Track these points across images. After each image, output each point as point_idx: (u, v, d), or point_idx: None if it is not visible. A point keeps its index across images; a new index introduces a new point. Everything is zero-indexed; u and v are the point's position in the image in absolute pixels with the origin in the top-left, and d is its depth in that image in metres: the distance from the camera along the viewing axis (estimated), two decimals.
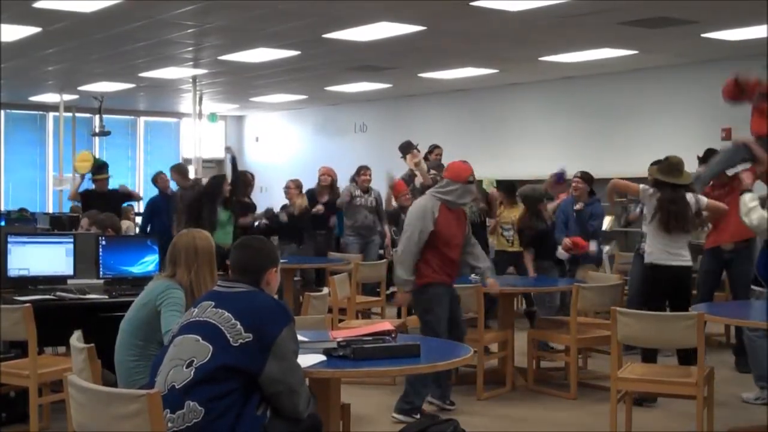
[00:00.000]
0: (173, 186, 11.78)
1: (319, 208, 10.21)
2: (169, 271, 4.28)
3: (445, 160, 9.33)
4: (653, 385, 5.22)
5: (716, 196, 7.26)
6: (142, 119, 20.09)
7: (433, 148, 10.41)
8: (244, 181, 10.47)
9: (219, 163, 20.72)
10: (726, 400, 6.27)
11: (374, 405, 6.23)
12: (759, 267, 6.69)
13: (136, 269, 6.25)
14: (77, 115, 17.80)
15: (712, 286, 7.60)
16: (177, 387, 3.14)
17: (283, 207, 10.60)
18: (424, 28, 10.09)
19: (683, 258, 6.39)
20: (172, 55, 12.16)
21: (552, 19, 9.55)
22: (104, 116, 16.82)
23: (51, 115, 18.71)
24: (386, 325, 4.11)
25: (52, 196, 18.14)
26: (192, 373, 3.14)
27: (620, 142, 13.07)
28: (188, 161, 15.67)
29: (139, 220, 12.80)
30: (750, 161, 6.80)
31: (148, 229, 11.33)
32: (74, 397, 3.05)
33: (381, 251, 10.92)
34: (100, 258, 6.16)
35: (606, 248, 6.86)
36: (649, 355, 6.14)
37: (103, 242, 6.22)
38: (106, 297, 5.70)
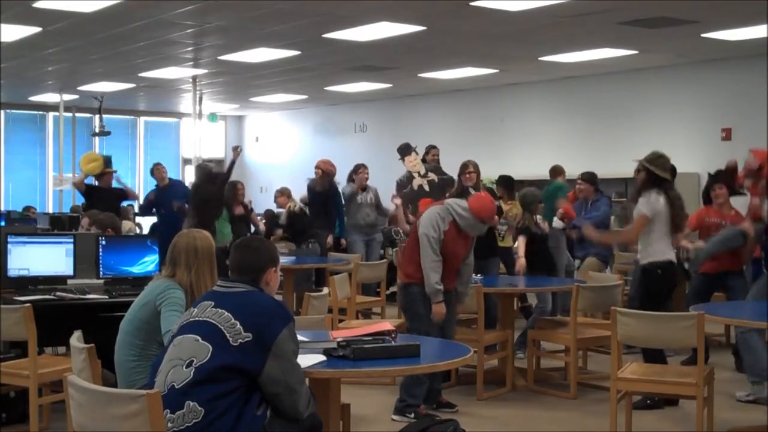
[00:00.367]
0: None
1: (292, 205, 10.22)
2: (168, 271, 4.28)
3: (445, 160, 9.36)
4: (653, 385, 5.21)
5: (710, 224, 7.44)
6: (142, 119, 20.09)
7: (430, 149, 10.41)
8: (232, 192, 10.55)
9: (219, 162, 20.74)
10: (726, 400, 6.27)
11: (374, 405, 6.23)
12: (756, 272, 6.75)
13: (136, 269, 6.24)
14: (77, 115, 17.81)
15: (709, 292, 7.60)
16: (177, 387, 3.14)
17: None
18: (424, 28, 10.09)
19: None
20: (172, 55, 12.16)
21: (552, 19, 9.55)
22: (104, 116, 16.83)
23: (51, 115, 18.71)
24: (386, 325, 4.11)
25: (52, 196, 18.14)
26: (192, 373, 3.14)
27: (620, 142, 13.08)
28: (188, 161, 15.67)
29: (138, 220, 12.81)
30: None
31: (154, 222, 11.35)
32: (74, 397, 3.05)
33: (381, 251, 10.93)
34: (100, 258, 6.16)
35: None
36: (652, 355, 6.10)
37: (103, 242, 6.22)
38: (106, 297, 5.70)
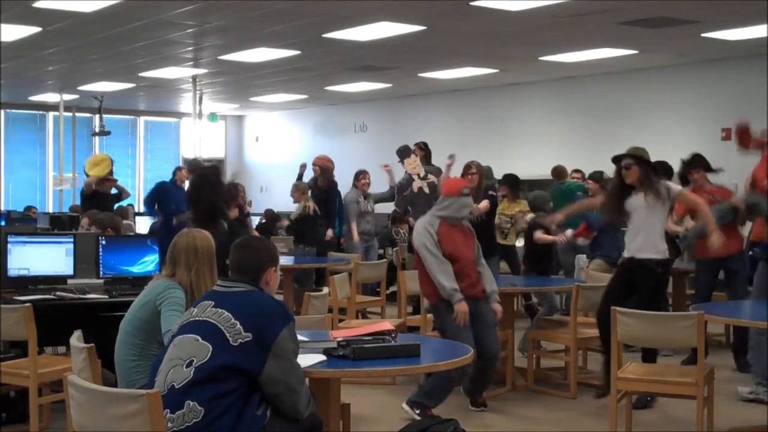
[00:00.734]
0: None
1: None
2: (168, 270, 4.27)
3: (445, 160, 9.34)
4: (653, 385, 5.21)
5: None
6: (142, 119, 20.10)
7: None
8: (232, 194, 10.44)
9: (219, 162, 20.75)
10: (726, 400, 6.27)
11: (374, 405, 6.23)
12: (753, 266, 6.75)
13: (136, 269, 6.24)
14: (77, 114, 17.82)
15: (709, 287, 7.58)
16: (176, 387, 3.14)
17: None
18: (424, 28, 10.09)
19: None
20: (172, 55, 12.17)
21: (552, 19, 9.55)
22: (104, 116, 16.84)
23: (51, 114, 18.72)
24: (386, 325, 4.10)
25: (52, 195, 18.14)
26: (192, 372, 3.14)
27: (620, 142, 12.98)
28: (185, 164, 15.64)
29: (138, 220, 12.79)
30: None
31: (153, 222, 11.31)
32: (74, 397, 3.05)
33: (381, 251, 10.93)
34: (100, 258, 6.16)
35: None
36: (649, 356, 6.12)
37: (103, 242, 6.22)
38: (106, 297, 5.70)
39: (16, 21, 10.02)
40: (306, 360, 3.63)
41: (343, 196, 10.54)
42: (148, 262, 6.27)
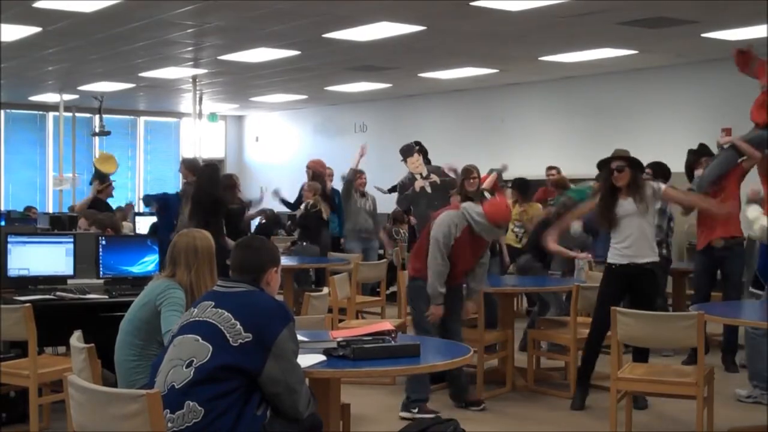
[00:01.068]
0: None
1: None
2: (168, 270, 4.28)
3: (446, 161, 9.35)
4: (653, 385, 5.21)
5: (710, 194, 7.33)
6: (142, 119, 20.10)
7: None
8: (229, 185, 10.41)
9: (219, 162, 20.73)
10: (726, 400, 6.27)
11: (374, 405, 6.24)
12: (760, 268, 6.71)
13: (136, 269, 6.24)
14: (77, 115, 17.80)
15: (708, 286, 7.59)
16: (177, 387, 3.14)
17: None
18: (424, 28, 10.09)
19: None
20: (172, 55, 12.16)
21: (552, 19, 9.55)
22: (104, 116, 16.82)
23: (51, 114, 18.72)
24: (386, 325, 4.10)
25: (52, 196, 18.14)
26: (192, 373, 3.14)
27: (620, 142, 12.97)
28: (182, 162, 15.61)
29: (138, 220, 12.79)
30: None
31: (153, 222, 11.30)
32: (74, 397, 3.05)
33: (380, 251, 10.90)
34: (100, 258, 6.16)
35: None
36: (641, 355, 6.09)
37: (103, 242, 6.22)
38: (106, 297, 5.70)
39: (16, 21, 10.02)
40: (306, 360, 3.63)
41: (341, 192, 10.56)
42: (148, 262, 6.27)
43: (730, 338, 7.46)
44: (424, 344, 4.07)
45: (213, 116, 18.85)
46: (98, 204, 10.99)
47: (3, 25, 10.07)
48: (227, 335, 3.17)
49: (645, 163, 7.64)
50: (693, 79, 12.52)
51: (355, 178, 10.37)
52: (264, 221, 13.05)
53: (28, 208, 14.43)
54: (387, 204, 12.41)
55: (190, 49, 11.83)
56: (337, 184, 10.89)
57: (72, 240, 6.23)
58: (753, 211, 6.48)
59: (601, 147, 13.45)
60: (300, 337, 4.00)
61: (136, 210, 14.18)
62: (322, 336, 4.16)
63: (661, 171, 7.82)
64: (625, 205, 6.05)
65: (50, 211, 16.56)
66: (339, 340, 3.85)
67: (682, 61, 12.28)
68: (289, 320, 3.28)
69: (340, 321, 7.21)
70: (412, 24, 9.97)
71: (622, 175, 6.03)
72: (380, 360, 3.75)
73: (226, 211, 9.78)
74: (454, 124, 15.77)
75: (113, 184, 11.43)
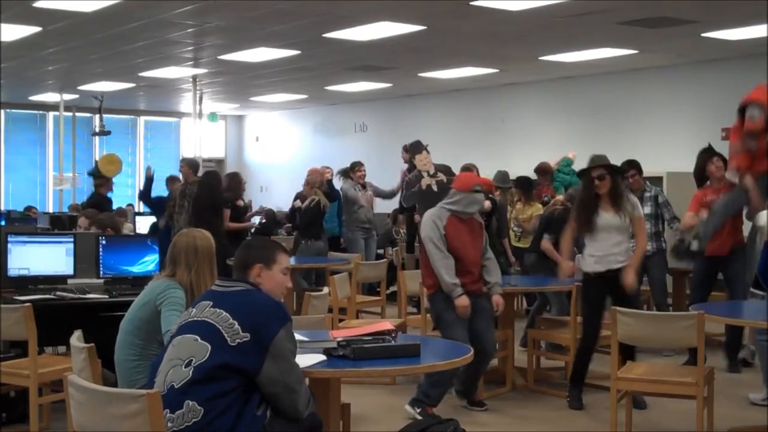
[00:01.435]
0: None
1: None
2: (169, 270, 4.28)
3: (446, 161, 9.34)
4: (653, 385, 5.21)
5: (710, 201, 7.31)
6: (142, 119, 20.10)
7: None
8: (237, 182, 10.42)
9: (219, 162, 20.76)
10: (726, 400, 6.27)
11: (374, 405, 6.24)
12: (760, 269, 6.70)
13: (136, 269, 6.25)
14: (77, 114, 17.81)
15: (707, 289, 7.59)
16: (176, 387, 3.14)
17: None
18: (424, 28, 10.09)
19: None
20: (172, 54, 12.16)
21: (552, 19, 9.55)
22: (104, 116, 16.82)
23: (51, 114, 18.72)
24: (386, 325, 4.10)
25: (53, 195, 18.14)
26: (191, 372, 3.14)
27: (620, 142, 13.07)
28: (183, 161, 15.61)
29: (138, 220, 12.80)
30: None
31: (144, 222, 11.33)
32: (74, 396, 3.05)
33: (381, 251, 10.91)
34: (100, 258, 6.16)
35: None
36: (628, 353, 6.07)
37: (103, 242, 6.22)
38: (106, 297, 5.71)
39: (16, 21, 10.02)
40: (306, 360, 3.63)
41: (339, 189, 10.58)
42: (148, 262, 6.28)
43: (732, 338, 7.44)
44: (424, 344, 4.07)
45: (213, 116, 18.85)
46: (99, 198, 11.02)
47: (3, 25, 10.07)
48: (225, 335, 3.18)
49: (651, 161, 7.69)
50: (693, 79, 12.52)
51: (353, 169, 10.43)
52: (264, 221, 13.06)
53: (29, 208, 14.44)
54: (387, 204, 12.43)
55: (190, 48, 11.83)
56: (338, 185, 10.90)
57: (72, 240, 6.23)
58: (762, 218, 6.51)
59: (600, 147, 13.45)
60: (300, 337, 4.00)
61: (136, 210, 14.19)
62: (322, 336, 4.16)
63: (635, 167, 7.80)
64: (606, 216, 6.05)
65: (50, 210, 16.57)
66: (339, 339, 3.85)
67: (682, 61, 12.28)
68: (286, 320, 3.28)
69: (340, 321, 7.21)
70: (412, 24, 9.97)
71: (603, 183, 6.03)
72: (380, 360, 3.75)
73: (232, 207, 9.81)
74: (454, 123, 15.78)
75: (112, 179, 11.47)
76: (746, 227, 7.40)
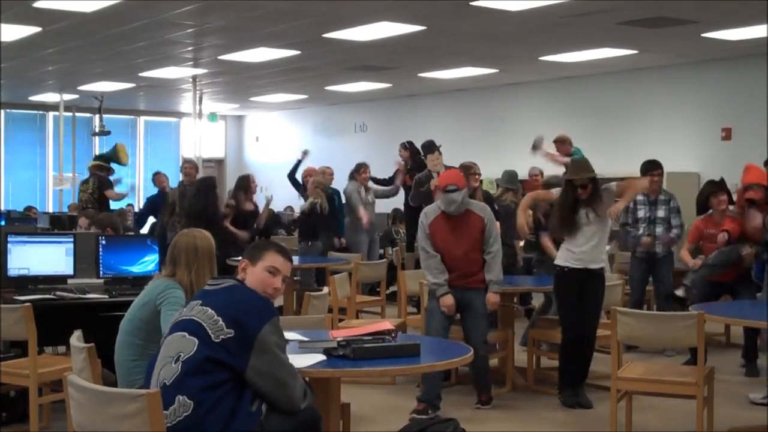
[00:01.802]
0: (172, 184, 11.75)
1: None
2: (168, 270, 4.28)
3: (446, 161, 9.34)
4: (653, 384, 5.21)
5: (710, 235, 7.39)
6: (142, 119, 20.10)
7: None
8: (243, 186, 10.37)
9: (219, 162, 20.75)
10: (726, 400, 6.27)
11: (374, 405, 6.24)
12: (757, 270, 6.72)
13: (136, 269, 6.24)
14: (77, 114, 17.81)
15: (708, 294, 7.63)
16: (168, 383, 3.15)
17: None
18: (424, 28, 10.09)
19: None
20: (172, 54, 12.16)
21: (552, 19, 9.55)
22: (104, 116, 16.83)
23: (51, 114, 18.72)
24: (386, 325, 4.10)
25: (52, 195, 18.14)
26: (180, 367, 3.15)
27: (620, 142, 13.09)
28: (188, 161, 15.61)
29: (137, 219, 12.80)
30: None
31: (147, 225, 11.30)
32: (74, 396, 3.05)
33: (381, 251, 10.90)
34: (100, 257, 6.16)
35: (607, 247, 6.77)
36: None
37: (103, 242, 6.22)
38: (106, 296, 5.70)
39: (16, 21, 10.02)
40: (306, 360, 3.63)
41: (342, 190, 10.56)
42: (148, 262, 6.27)
43: (749, 343, 7.39)
44: (424, 344, 4.07)
45: (213, 116, 18.85)
46: (102, 181, 11.05)
47: (3, 25, 10.07)
48: (209, 331, 3.18)
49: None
50: (693, 79, 12.52)
51: (359, 170, 10.42)
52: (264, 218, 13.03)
53: (28, 208, 14.44)
54: (386, 204, 12.42)
55: (190, 49, 11.83)
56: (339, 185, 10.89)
57: (72, 240, 6.23)
58: None
59: (601, 147, 13.54)
60: (300, 337, 4.01)
61: (136, 210, 14.18)
62: (322, 335, 4.16)
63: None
64: (587, 216, 6.11)
65: (50, 210, 16.56)
66: (339, 339, 3.85)
67: (682, 61, 12.28)
68: (271, 315, 3.27)
69: (340, 320, 7.21)
70: (412, 24, 9.97)
71: (586, 190, 6.10)
72: (380, 360, 3.75)
73: (236, 212, 9.78)
74: (454, 123, 15.77)
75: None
76: None
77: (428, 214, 6.11)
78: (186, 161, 11.44)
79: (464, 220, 6.07)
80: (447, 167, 8.99)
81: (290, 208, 15.43)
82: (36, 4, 9.14)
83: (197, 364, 3.13)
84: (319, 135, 18.75)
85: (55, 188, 17.21)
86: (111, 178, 11.65)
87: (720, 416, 5.43)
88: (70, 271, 6.12)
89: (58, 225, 10.58)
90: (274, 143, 20.21)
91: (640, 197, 7.93)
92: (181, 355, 3.17)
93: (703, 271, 7.22)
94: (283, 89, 16.07)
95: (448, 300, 5.95)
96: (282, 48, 11.56)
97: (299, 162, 11.51)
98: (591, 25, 9.87)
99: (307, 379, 3.47)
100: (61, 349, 6.06)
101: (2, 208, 16.01)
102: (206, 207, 9.13)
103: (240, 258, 3.84)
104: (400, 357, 3.83)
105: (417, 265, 9.15)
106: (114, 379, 4.15)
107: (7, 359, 5.33)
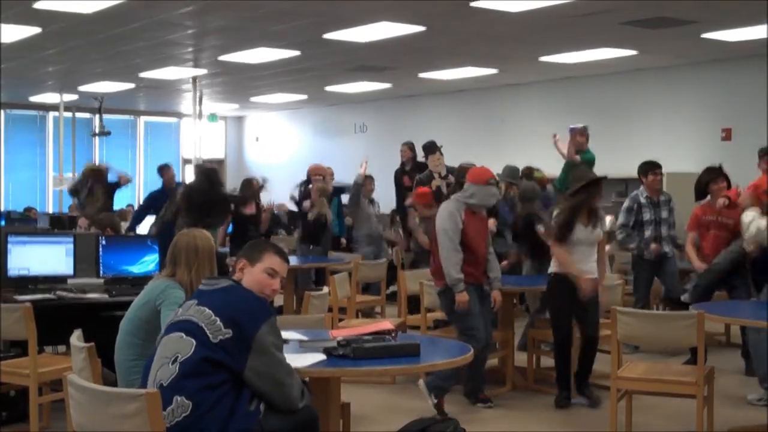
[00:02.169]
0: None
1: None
2: (168, 270, 4.28)
3: (447, 161, 9.35)
4: (653, 384, 5.21)
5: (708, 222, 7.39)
6: (142, 119, 20.10)
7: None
8: (245, 189, 10.30)
9: (219, 163, 20.74)
10: (726, 400, 6.27)
11: (374, 404, 6.24)
12: (758, 269, 6.72)
13: (136, 269, 6.25)
14: (77, 115, 17.81)
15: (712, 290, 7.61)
16: (165, 384, 3.15)
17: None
18: (424, 28, 10.09)
19: None
20: (172, 55, 12.16)
21: (552, 19, 9.55)
22: (104, 116, 16.82)
23: (51, 115, 18.72)
24: (386, 325, 4.11)
25: (52, 196, 18.14)
26: (177, 368, 3.15)
27: (620, 143, 13.08)
28: (188, 161, 15.66)
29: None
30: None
31: (145, 224, 11.29)
32: (74, 396, 3.05)
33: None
34: (100, 257, 6.17)
35: (607, 247, 6.78)
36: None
37: (103, 242, 6.23)
38: (106, 296, 5.71)
39: (16, 21, 10.02)
40: (306, 359, 3.64)
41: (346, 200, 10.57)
42: (148, 262, 6.28)
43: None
44: (424, 343, 4.07)
45: (213, 116, 18.85)
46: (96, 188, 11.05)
47: (3, 25, 10.07)
48: (207, 332, 3.18)
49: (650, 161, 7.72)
50: (693, 79, 12.52)
51: (364, 183, 10.39)
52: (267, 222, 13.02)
53: (28, 209, 14.44)
54: (385, 204, 12.42)
55: (190, 49, 11.83)
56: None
57: (72, 240, 6.23)
58: (747, 216, 6.53)
59: (601, 147, 13.50)
60: (300, 336, 4.01)
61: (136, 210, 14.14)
62: (322, 335, 4.17)
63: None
64: (583, 230, 6.15)
65: (50, 211, 16.57)
66: (339, 339, 3.85)
67: (682, 61, 12.28)
68: (269, 315, 3.28)
69: (340, 320, 7.22)
70: (412, 24, 9.97)
71: (599, 195, 6.21)
72: (380, 359, 3.75)
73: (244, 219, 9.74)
74: (455, 124, 15.77)
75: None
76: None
77: (458, 209, 6.02)
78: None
79: (482, 218, 6.19)
80: (448, 168, 9.01)
81: (283, 205, 15.37)
82: (36, 5, 9.14)
83: (195, 365, 3.14)
84: (319, 135, 18.76)
85: (55, 188, 17.21)
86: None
87: (720, 416, 5.44)
88: (70, 271, 6.12)
89: (58, 225, 10.58)
90: (274, 143, 20.21)
91: (642, 200, 7.91)
92: (179, 356, 3.17)
93: (707, 276, 7.21)
94: (283, 89, 16.07)
95: (466, 296, 5.94)
96: (282, 48, 11.56)
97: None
98: (591, 25, 9.87)
99: (307, 379, 3.47)
100: (61, 348, 6.07)
101: (2, 209, 16.00)
102: (210, 197, 9.12)
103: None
104: (400, 357, 3.83)
105: (413, 266, 9.16)
106: (114, 379, 4.15)
107: (7, 359, 5.33)
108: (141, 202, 11.73)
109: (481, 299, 6.11)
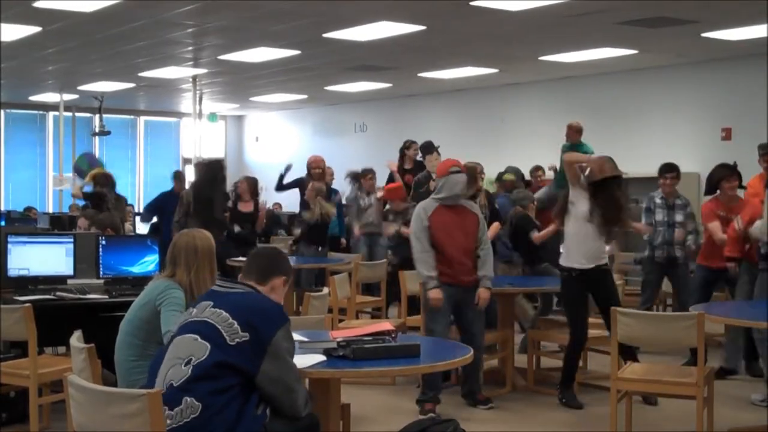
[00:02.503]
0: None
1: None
2: (168, 270, 4.28)
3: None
4: (653, 385, 5.21)
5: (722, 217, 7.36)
6: (142, 119, 20.09)
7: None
8: (243, 187, 10.28)
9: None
10: (726, 400, 6.27)
11: (374, 405, 6.24)
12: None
13: (136, 269, 6.24)
14: (77, 114, 17.81)
15: (708, 296, 7.60)
16: (175, 385, 3.16)
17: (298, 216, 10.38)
18: (424, 28, 10.09)
19: None
20: (172, 54, 12.16)
21: (552, 19, 9.55)
22: (104, 116, 16.82)
23: (51, 114, 18.71)
24: (386, 325, 4.11)
25: (52, 196, 18.14)
26: (190, 370, 3.17)
27: (620, 142, 13.06)
28: (188, 161, 15.66)
29: (138, 220, 12.79)
30: None
31: (153, 222, 11.30)
32: (74, 397, 3.05)
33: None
34: (100, 258, 6.16)
35: (607, 248, 6.74)
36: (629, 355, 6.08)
37: (103, 242, 6.22)
38: (106, 297, 5.71)
39: (16, 21, 10.02)
40: (306, 360, 3.64)
41: (344, 197, 10.54)
42: (148, 262, 6.27)
43: (751, 343, 7.36)
44: (424, 344, 4.07)
45: (213, 116, 18.85)
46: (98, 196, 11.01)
47: (3, 25, 10.07)
48: (225, 334, 3.20)
49: (651, 161, 7.68)
50: (693, 79, 12.52)
51: (365, 177, 10.39)
52: (264, 221, 13.03)
53: (28, 209, 14.42)
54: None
55: (190, 49, 11.83)
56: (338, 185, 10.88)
57: (72, 240, 6.23)
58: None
59: (600, 147, 13.47)
60: (300, 337, 4.01)
61: (136, 210, 14.18)
62: (322, 336, 4.16)
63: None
64: (577, 210, 6.17)
65: (50, 211, 16.55)
66: (339, 340, 3.85)
67: (682, 61, 12.27)
68: (285, 320, 3.32)
69: (340, 321, 7.21)
70: (412, 24, 9.96)
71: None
72: (380, 360, 3.75)
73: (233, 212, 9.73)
74: (455, 123, 15.77)
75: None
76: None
77: (427, 208, 6.08)
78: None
79: (461, 215, 6.10)
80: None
81: (278, 204, 15.38)
82: (36, 4, 9.14)
83: (208, 369, 3.15)
84: (318, 135, 18.75)
85: (55, 188, 17.20)
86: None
87: (720, 416, 5.43)
88: (70, 271, 6.12)
89: (58, 225, 10.57)
90: (274, 143, 20.20)
91: (658, 200, 7.84)
92: (192, 359, 3.18)
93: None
94: (283, 89, 16.06)
95: (438, 294, 5.96)
96: (282, 48, 11.55)
97: (282, 176, 11.32)
98: (591, 25, 9.87)
99: (307, 388, 3.49)
100: (61, 349, 6.06)
101: (2, 209, 15.99)
102: (213, 191, 9.12)
103: (241, 258, 3.84)
104: (400, 357, 3.83)
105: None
106: (114, 379, 4.15)
107: (7, 359, 5.33)
108: (142, 206, 11.65)
109: (462, 302, 6.05)
